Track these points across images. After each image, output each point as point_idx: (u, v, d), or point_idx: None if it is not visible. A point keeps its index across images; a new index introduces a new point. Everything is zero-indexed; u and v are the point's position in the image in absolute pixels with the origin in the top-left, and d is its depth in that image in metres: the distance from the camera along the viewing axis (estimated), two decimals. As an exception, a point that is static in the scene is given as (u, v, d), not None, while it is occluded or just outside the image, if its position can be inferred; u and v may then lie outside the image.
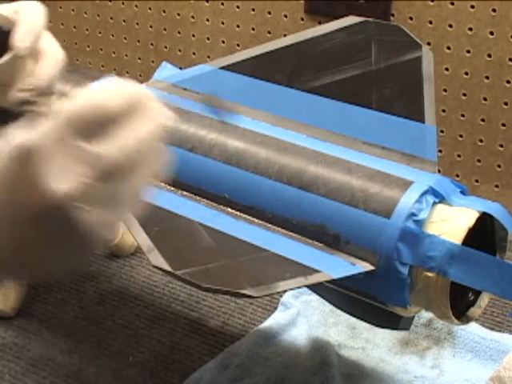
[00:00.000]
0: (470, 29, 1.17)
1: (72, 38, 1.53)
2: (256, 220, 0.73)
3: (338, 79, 0.77)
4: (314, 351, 0.88)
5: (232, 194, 0.74)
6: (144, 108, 0.50)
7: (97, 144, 0.49)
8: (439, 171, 0.72)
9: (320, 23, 1.23)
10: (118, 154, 0.49)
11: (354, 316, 0.82)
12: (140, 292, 0.99)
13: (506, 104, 1.18)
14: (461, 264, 0.64)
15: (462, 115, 1.22)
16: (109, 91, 0.50)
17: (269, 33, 1.32)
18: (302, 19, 1.29)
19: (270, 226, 0.72)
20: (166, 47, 1.43)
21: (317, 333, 0.92)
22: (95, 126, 0.49)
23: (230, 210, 0.74)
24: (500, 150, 1.21)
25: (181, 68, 0.89)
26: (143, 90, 0.51)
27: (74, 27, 1.52)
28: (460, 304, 0.70)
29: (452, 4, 1.17)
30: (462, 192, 0.70)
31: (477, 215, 0.66)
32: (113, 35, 1.49)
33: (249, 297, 0.65)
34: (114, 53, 1.50)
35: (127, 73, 1.49)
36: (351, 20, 0.77)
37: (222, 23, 1.36)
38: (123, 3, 1.46)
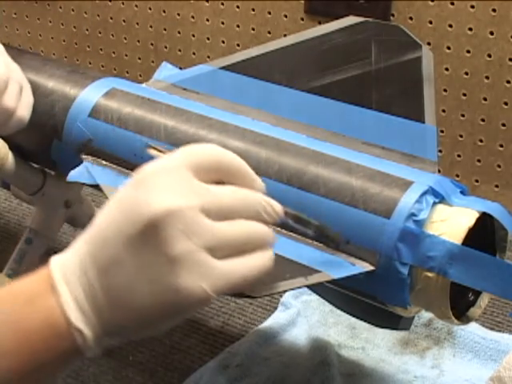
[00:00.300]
0: (470, 29, 1.17)
1: (72, 38, 1.53)
2: (256, 220, 0.72)
3: (337, 79, 0.77)
4: (314, 351, 0.88)
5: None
6: (244, 178, 0.55)
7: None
8: (439, 171, 0.72)
9: (320, 23, 1.24)
10: (228, 194, 0.53)
11: (353, 316, 0.82)
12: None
13: (505, 104, 1.18)
14: (461, 264, 0.64)
15: (462, 115, 1.22)
16: (226, 151, 0.55)
17: (269, 33, 1.32)
18: (302, 19, 1.29)
19: (269, 226, 0.72)
20: (165, 47, 1.43)
21: (317, 333, 0.92)
22: (214, 170, 0.54)
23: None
24: (500, 150, 1.21)
25: (181, 68, 0.89)
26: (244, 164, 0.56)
27: (74, 27, 1.52)
28: (460, 304, 0.70)
29: (452, 4, 1.18)
30: (461, 192, 0.70)
31: (477, 215, 0.66)
32: (113, 35, 1.49)
33: (249, 297, 0.66)
34: (113, 53, 1.50)
35: (127, 73, 1.49)
36: (351, 20, 0.77)
37: (222, 23, 1.36)
38: (123, 3, 1.46)
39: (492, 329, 0.94)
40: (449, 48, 1.19)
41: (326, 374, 0.85)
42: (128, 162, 0.79)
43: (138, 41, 1.46)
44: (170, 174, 0.53)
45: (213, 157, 0.55)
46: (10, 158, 0.88)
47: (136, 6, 1.45)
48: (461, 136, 1.23)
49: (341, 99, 0.76)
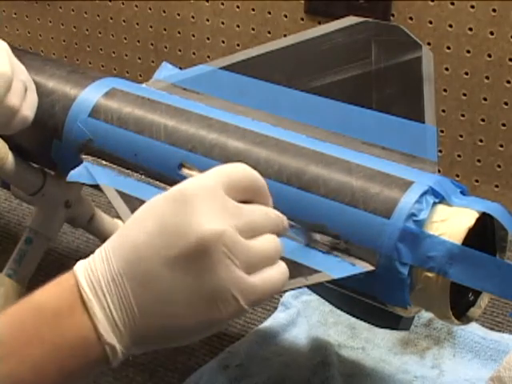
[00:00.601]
0: (470, 29, 1.17)
1: (72, 38, 1.53)
2: (256, 220, 0.72)
3: (338, 79, 0.77)
4: (314, 351, 0.88)
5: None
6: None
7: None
8: (439, 171, 0.72)
9: (320, 23, 1.23)
10: (255, 212, 0.55)
11: (353, 316, 0.82)
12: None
13: (506, 104, 1.18)
14: (461, 264, 0.64)
15: (462, 115, 1.22)
16: (253, 171, 0.57)
17: (269, 33, 1.32)
18: (302, 19, 1.29)
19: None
20: (166, 47, 1.43)
21: (317, 333, 0.92)
22: (242, 189, 0.56)
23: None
24: (500, 150, 1.21)
25: (181, 68, 0.89)
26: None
27: (74, 27, 1.52)
28: (460, 304, 0.70)
29: (452, 4, 1.17)
30: (461, 192, 0.70)
31: (477, 215, 0.66)
32: (113, 35, 1.49)
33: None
34: (114, 53, 1.50)
35: (127, 73, 1.49)
36: (351, 20, 0.77)
37: (222, 23, 1.36)
38: (123, 3, 1.46)
39: (492, 329, 0.94)
40: (449, 48, 1.19)
41: (326, 374, 0.85)
42: (128, 161, 0.79)
43: (138, 41, 1.46)
44: (209, 195, 0.54)
45: (245, 177, 0.57)
46: (10, 158, 0.88)
47: (136, 6, 1.44)
48: (461, 136, 1.23)
49: (341, 99, 0.76)
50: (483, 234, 0.69)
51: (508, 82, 1.17)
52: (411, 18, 1.21)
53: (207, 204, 0.53)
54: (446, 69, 1.20)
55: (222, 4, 1.35)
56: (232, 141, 0.76)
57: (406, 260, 0.66)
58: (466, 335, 0.91)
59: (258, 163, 0.73)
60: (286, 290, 0.90)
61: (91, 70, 1.48)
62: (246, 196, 0.56)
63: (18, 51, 0.87)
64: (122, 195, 0.77)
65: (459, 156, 1.24)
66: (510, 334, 0.92)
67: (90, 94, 0.83)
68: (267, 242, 0.55)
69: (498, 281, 0.64)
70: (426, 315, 0.93)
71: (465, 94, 1.20)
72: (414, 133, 0.73)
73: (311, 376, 0.85)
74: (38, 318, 0.54)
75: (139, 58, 1.47)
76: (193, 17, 1.39)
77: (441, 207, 0.67)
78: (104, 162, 0.81)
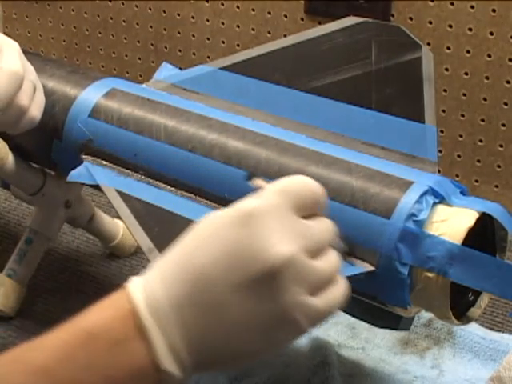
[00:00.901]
0: (470, 29, 1.17)
1: (72, 38, 1.53)
2: (256, 220, 0.72)
3: (338, 79, 0.77)
4: (314, 351, 0.88)
5: (232, 194, 0.74)
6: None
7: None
8: (439, 171, 0.72)
9: (320, 23, 1.24)
10: (321, 229, 0.54)
11: (353, 316, 0.82)
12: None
13: (505, 104, 1.18)
14: (461, 264, 0.64)
15: (462, 115, 1.22)
16: (318, 184, 0.56)
17: (269, 33, 1.32)
18: (302, 19, 1.29)
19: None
20: (166, 47, 1.44)
21: (317, 333, 0.92)
22: (309, 206, 0.54)
23: (230, 210, 0.74)
24: (500, 150, 1.21)
25: (181, 68, 0.89)
26: None
27: (74, 27, 1.52)
28: (460, 304, 0.70)
29: (452, 4, 1.18)
30: (461, 192, 0.70)
31: (477, 216, 0.66)
32: (113, 35, 1.49)
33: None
34: (114, 53, 1.50)
35: (127, 73, 1.49)
36: (351, 20, 0.77)
37: (222, 23, 1.36)
38: (123, 3, 1.46)
39: (492, 329, 0.94)
40: (449, 48, 1.19)
41: (326, 374, 0.85)
42: (128, 162, 0.79)
43: (138, 41, 1.46)
44: (277, 216, 0.52)
45: (312, 194, 0.55)
46: (10, 158, 0.88)
47: (136, 6, 1.45)
48: (461, 136, 1.23)
49: (341, 99, 0.76)
50: (483, 234, 0.69)
51: (508, 82, 1.17)
52: (411, 18, 1.21)
53: (275, 226, 0.52)
54: (446, 69, 1.20)
55: (222, 4, 1.36)
56: (232, 141, 0.76)
57: (406, 260, 0.66)
58: (466, 335, 0.91)
59: (258, 163, 0.73)
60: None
61: (91, 70, 1.48)
62: (311, 211, 0.55)
63: (18, 51, 0.87)
64: (122, 195, 0.77)
65: (459, 156, 1.24)
66: (509, 334, 0.92)
67: (90, 95, 0.84)
68: (330, 261, 0.54)
69: (498, 281, 0.64)
70: (426, 315, 0.93)
71: (465, 94, 1.21)
72: (414, 133, 0.73)
73: (311, 376, 0.85)
74: (89, 345, 0.51)
75: (139, 59, 1.48)
76: (193, 17, 1.39)
77: (441, 207, 0.67)
78: (104, 162, 0.81)
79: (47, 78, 0.86)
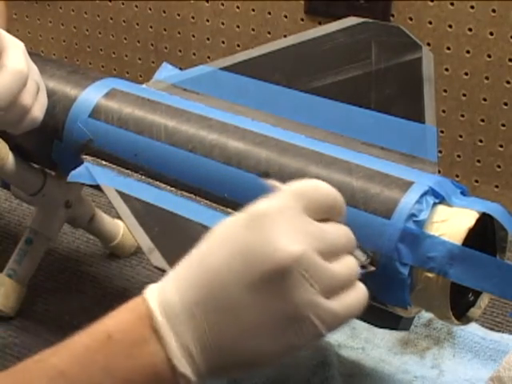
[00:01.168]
0: (470, 29, 1.17)
1: (72, 38, 1.53)
2: (256, 220, 0.72)
3: (338, 80, 0.77)
4: (313, 351, 0.88)
5: (232, 194, 0.74)
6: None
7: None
8: (439, 172, 0.72)
9: (320, 23, 1.24)
10: (336, 233, 0.54)
11: (353, 316, 0.81)
12: (140, 292, 0.99)
13: (505, 104, 1.18)
14: (461, 264, 0.64)
15: (462, 115, 1.22)
16: (332, 189, 0.56)
17: (269, 33, 1.32)
18: (302, 19, 1.29)
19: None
20: (166, 47, 1.44)
21: (317, 333, 0.92)
22: (323, 210, 0.54)
23: (229, 210, 0.74)
24: (500, 151, 1.21)
25: (181, 69, 0.89)
26: None
27: (74, 27, 1.52)
28: (460, 304, 0.70)
29: (452, 4, 1.18)
30: (462, 193, 0.70)
31: (477, 216, 0.66)
32: (113, 35, 1.49)
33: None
34: (114, 53, 1.50)
35: (127, 73, 1.49)
36: (351, 21, 0.77)
37: (222, 23, 1.36)
38: (123, 3, 1.46)
39: (492, 329, 0.94)
40: (449, 48, 1.19)
41: (326, 374, 0.85)
42: (128, 162, 0.79)
43: (138, 41, 1.47)
44: (289, 216, 0.52)
45: (327, 198, 0.55)
46: (10, 158, 0.88)
47: (136, 6, 1.45)
48: (461, 136, 1.23)
49: (341, 99, 0.76)
50: (483, 234, 0.69)
51: (508, 82, 1.17)
52: (411, 19, 1.21)
53: (287, 226, 0.52)
54: (446, 69, 1.20)
55: (222, 4, 1.36)
56: (232, 141, 0.76)
57: (407, 260, 0.66)
58: (466, 335, 0.91)
59: (258, 163, 0.73)
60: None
61: (91, 70, 1.48)
62: (327, 215, 0.55)
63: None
64: (122, 195, 0.77)
65: (459, 156, 1.24)
66: (509, 334, 0.92)
67: (91, 95, 0.84)
68: (347, 265, 0.54)
69: (498, 281, 0.64)
70: (426, 315, 0.93)
71: (465, 95, 1.21)
72: (414, 133, 0.73)
73: (311, 376, 0.85)
74: (108, 348, 0.52)
75: (139, 59, 1.48)
76: (193, 17, 1.39)
77: (441, 208, 0.67)
78: (104, 163, 0.81)
79: (47, 79, 0.86)
